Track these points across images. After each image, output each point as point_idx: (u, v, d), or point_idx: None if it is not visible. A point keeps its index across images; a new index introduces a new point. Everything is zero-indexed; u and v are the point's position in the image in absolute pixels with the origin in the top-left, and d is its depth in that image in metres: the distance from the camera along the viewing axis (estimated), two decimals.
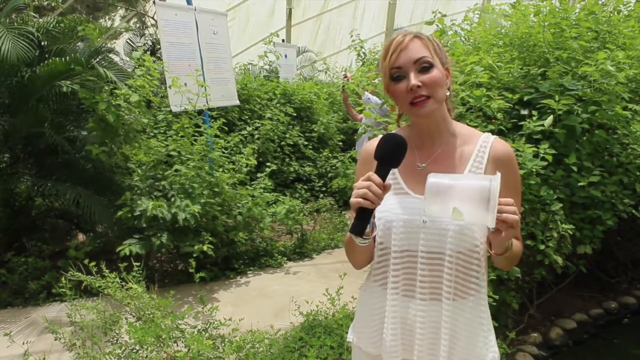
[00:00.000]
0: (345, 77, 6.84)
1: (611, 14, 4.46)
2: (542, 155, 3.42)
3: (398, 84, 1.48)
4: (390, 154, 1.37)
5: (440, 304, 1.49)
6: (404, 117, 1.70)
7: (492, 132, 1.59)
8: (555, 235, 3.46)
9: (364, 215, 1.35)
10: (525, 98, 3.81)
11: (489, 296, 2.04)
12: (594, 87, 3.69)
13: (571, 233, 3.51)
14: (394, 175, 1.57)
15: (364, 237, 1.45)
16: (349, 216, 1.45)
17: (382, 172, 1.36)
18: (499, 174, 1.28)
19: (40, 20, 5.67)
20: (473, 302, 1.51)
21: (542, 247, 3.44)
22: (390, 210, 1.53)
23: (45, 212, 5.93)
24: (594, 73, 3.58)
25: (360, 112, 5.19)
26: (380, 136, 1.39)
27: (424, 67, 1.45)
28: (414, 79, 1.44)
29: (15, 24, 5.17)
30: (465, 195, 1.29)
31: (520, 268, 3.51)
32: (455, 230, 1.45)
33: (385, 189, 1.34)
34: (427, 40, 1.49)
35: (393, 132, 1.48)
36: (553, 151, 3.47)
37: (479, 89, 3.71)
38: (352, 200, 1.33)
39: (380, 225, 1.54)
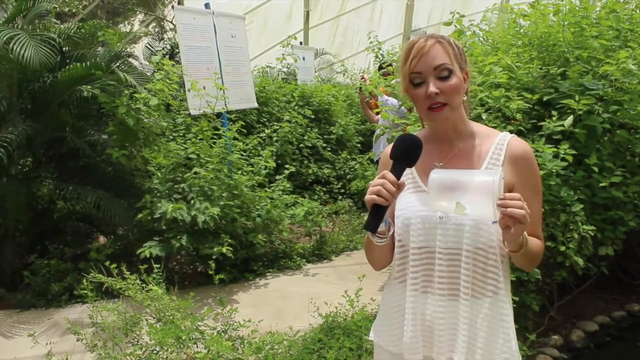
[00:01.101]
0: (363, 78, 6.83)
1: (633, 12, 4.39)
2: (562, 155, 3.39)
3: (417, 89, 1.49)
4: (405, 154, 1.40)
5: (458, 301, 1.50)
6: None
7: (512, 132, 1.59)
8: (576, 236, 3.42)
9: (378, 212, 1.38)
10: (545, 98, 3.77)
11: None
12: (615, 87, 3.65)
13: (592, 234, 3.46)
14: (412, 175, 1.59)
15: (381, 236, 1.48)
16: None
17: (397, 171, 1.39)
18: (500, 169, 1.29)
19: (62, 26, 5.75)
20: (491, 302, 1.50)
21: (562, 248, 3.41)
22: (408, 207, 1.55)
23: (66, 215, 6.00)
24: (615, 72, 3.53)
25: (378, 113, 5.18)
26: (398, 136, 1.41)
27: (443, 75, 1.46)
28: (432, 87, 1.45)
29: (38, 30, 5.25)
30: (467, 189, 1.31)
31: (541, 269, 3.48)
32: (472, 226, 1.45)
33: (399, 187, 1.37)
34: (447, 45, 1.50)
35: (410, 132, 1.50)
36: (573, 151, 3.44)
37: (497, 89, 3.68)
38: (367, 197, 1.37)
39: (398, 222, 1.56)
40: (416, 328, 1.55)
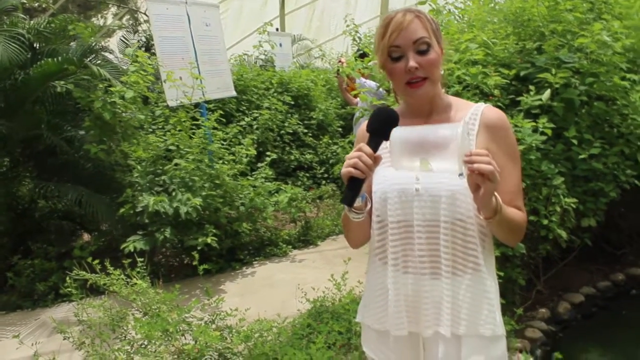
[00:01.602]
0: (340, 62, 6.79)
1: None
2: (541, 129, 3.40)
3: (396, 64, 1.48)
4: (381, 126, 1.38)
5: (439, 280, 1.50)
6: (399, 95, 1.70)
7: None
8: (558, 209, 3.44)
9: (355, 185, 1.36)
10: (522, 73, 3.78)
11: None
12: (590, 59, 3.66)
13: (574, 207, 3.49)
14: (388, 149, 1.56)
15: (358, 211, 1.48)
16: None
17: (374, 144, 1.38)
18: (462, 122, 1.27)
19: (31, 21, 5.63)
20: (471, 277, 1.50)
21: (545, 222, 3.43)
22: (384, 181, 1.54)
23: (48, 214, 5.93)
24: (590, 44, 3.54)
25: (356, 96, 5.16)
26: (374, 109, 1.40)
27: (422, 48, 1.46)
28: (412, 61, 1.44)
29: (5, 26, 5.14)
30: (430, 144, 1.28)
31: (525, 244, 3.50)
32: (448, 197, 1.45)
33: (376, 160, 1.36)
34: (425, 20, 1.49)
35: (386, 106, 1.48)
36: (552, 125, 3.45)
37: (474, 66, 3.68)
38: (343, 170, 1.35)
39: (376, 197, 1.56)
40: (399, 304, 1.55)
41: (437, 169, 1.29)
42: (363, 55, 5.72)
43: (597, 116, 3.80)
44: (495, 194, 1.32)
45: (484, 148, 1.45)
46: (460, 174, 1.27)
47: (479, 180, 1.27)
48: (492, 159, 1.26)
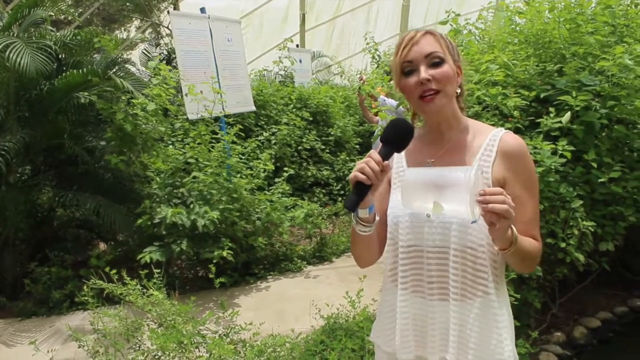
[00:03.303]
0: (361, 79, 6.82)
1: (628, 7, 4.39)
2: (560, 152, 3.38)
3: (408, 78, 1.48)
4: (396, 137, 1.38)
5: (447, 303, 1.48)
6: (418, 116, 1.70)
7: (509, 130, 1.56)
8: (576, 232, 3.41)
9: (360, 191, 1.36)
10: (542, 95, 3.77)
11: (510, 295, 2.01)
12: (612, 82, 3.64)
13: (592, 230, 3.46)
14: (404, 171, 1.57)
15: (365, 223, 1.46)
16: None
17: (384, 153, 1.37)
18: (475, 165, 1.27)
19: (58, 33, 5.74)
20: (481, 302, 1.47)
21: (563, 244, 3.40)
22: (397, 205, 1.52)
23: (66, 223, 6.00)
24: (611, 67, 3.53)
25: (376, 114, 5.18)
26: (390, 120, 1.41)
27: (435, 62, 1.45)
28: (423, 72, 1.44)
29: (34, 38, 5.25)
30: (443, 187, 1.28)
31: (542, 266, 3.47)
32: (459, 224, 1.44)
33: (384, 169, 1.35)
34: (439, 37, 1.50)
35: (404, 118, 1.48)
36: (572, 148, 3.43)
37: (494, 87, 3.68)
38: (350, 175, 1.36)
39: (389, 221, 1.56)
40: (407, 327, 1.55)
41: (450, 212, 1.29)
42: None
43: (617, 139, 3.77)
44: (512, 226, 1.31)
45: (501, 177, 1.46)
46: (474, 221, 1.27)
47: (494, 219, 1.25)
48: (506, 197, 1.24)
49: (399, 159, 1.62)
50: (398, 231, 1.53)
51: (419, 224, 1.49)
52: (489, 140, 1.52)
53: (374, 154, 1.36)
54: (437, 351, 1.51)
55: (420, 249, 1.51)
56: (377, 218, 1.51)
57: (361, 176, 1.33)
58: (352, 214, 1.47)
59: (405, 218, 1.51)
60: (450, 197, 1.27)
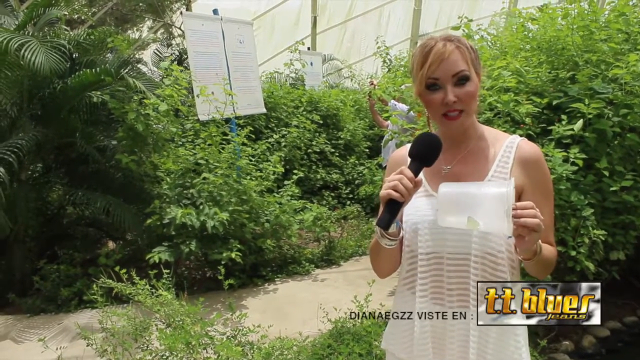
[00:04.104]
0: (372, 83, 6.83)
1: None
2: (572, 159, 3.37)
3: (433, 94, 1.45)
4: (425, 152, 1.38)
5: (468, 311, 1.48)
6: (433, 122, 1.69)
7: (521, 136, 1.55)
8: (587, 241, 3.40)
9: (393, 208, 1.34)
10: (554, 102, 3.76)
11: None
12: (625, 90, 3.63)
13: (603, 239, 3.44)
14: (420, 178, 1.56)
15: (391, 238, 1.45)
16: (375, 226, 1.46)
17: (415, 169, 1.36)
18: (513, 179, 1.26)
19: (72, 33, 5.78)
20: None
21: (573, 253, 3.38)
22: (416, 212, 1.53)
23: (76, 221, 6.03)
24: (625, 75, 3.52)
25: (387, 118, 5.18)
26: (417, 134, 1.39)
27: (461, 81, 1.43)
28: (450, 95, 1.42)
29: (48, 37, 5.29)
30: (478, 203, 1.27)
31: (551, 274, 3.43)
32: (480, 231, 1.43)
33: (416, 185, 1.34)
34: (465, 50, 1.46)
35: (430, 132, 1.47)
36: (583, 155, 3.42)
37: (506, 93, 3.67)
38: (382, 192, 1.33)
39: (407, 228, 1.54)
40: (425, 335, 1.54)
41: (485, 228, 1.28)
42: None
43: (629, 148, 3.75)
44: None
45: (519, 184, 1.45)
46: (510, 237, 1.27)
47: (525, 232, 1.25)
48: (537, 211, 1.25)
49: None
50: (417, 238, 1.52)
51: (438, 231, 1.48)
52: (505, 147, 1.53)
53: (406, 170, 1.34)
54: (456, 358, 1.51)
55: (440, 256, 1.50)
56: (402, 232, 1.51)
57: (395, 194, 1.31)
58: (377, 228, 1.45)
59: (425, 225, 1.50)
60: (485, 212, 1.26)
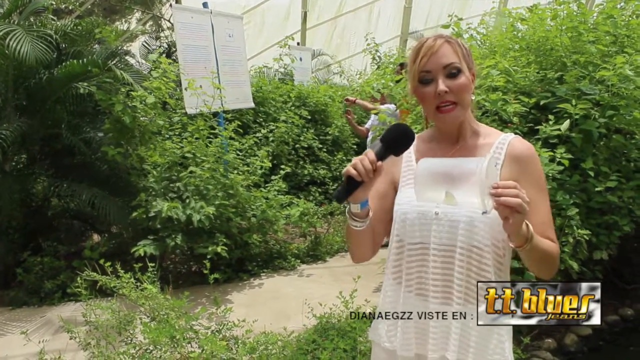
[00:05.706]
0: (348, 100, 6.90)
1: (630, 18, 4.41)
2: (558, 159, 3.40)
3: (426, 88, 1.48)
4: (395, 139, 1.39)
5: (451, 306, 1.49)
6: (430, 121, 1.70)
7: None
8: (571, 240, 3.43)
9: (349, 185, 1.37)
10: (542, 102, 3.79)
11: None
12: (611, 92, 3.66)
13: (587, 238, 3.48)
14: (412, 169, 1.57)
15: (357, 219, 1.48)
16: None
17: (380, 153, 1.37)
18: (487, 156, 1.27)
19: (58, 23, 5.72)
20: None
21: None
22: (407, 202, 1.54)
23: (60, 213, 5.97)
24: (612, 77, 3.55)
25: (376, 114, 5.22)
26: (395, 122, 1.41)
27: (453, 73, 1.46)
28: (441, 85, 1.45)
29: (34, 26, 5.22)
30: (456, 178, 1.27)
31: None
32: (466, 222, 1.45)
33: (377, 169, 1.35)
34: (456, 45, 1.50)
35: (407, 124, 1.47)
36: (570, 156, 3.45)
37: (494, 92, 3.69)
38: (344, 169, 1.37)
39: (396, 217, 1.57)
40: (408, 325, 1.56)
41: (462, 203, 1.29)
42: (403, 66, 5.75)
43: (615, 149, 3.79)
44: (527, 222, 1.31)
45: (512, 179, 1.45)
46: (484, 212, 1.26)
47: (507, 212, 1.25)
48: (520, 190, 1.24)
49: (408, 158, 1.63)
50: (405, 228, 1.54)
51: (426, 222, 1.50)
52: (497, 142, 1.55)
53: (370, 152, 1.36)
54: (438, 349, 1.52)
55: (427, 247, 1.51)
56: (371, 214, 1.51)
57: (352, 171, 1.34)
58: (346, 209, 1.48)
59: (413, 215, 1.52)
60: (463, 188, 1.26)
